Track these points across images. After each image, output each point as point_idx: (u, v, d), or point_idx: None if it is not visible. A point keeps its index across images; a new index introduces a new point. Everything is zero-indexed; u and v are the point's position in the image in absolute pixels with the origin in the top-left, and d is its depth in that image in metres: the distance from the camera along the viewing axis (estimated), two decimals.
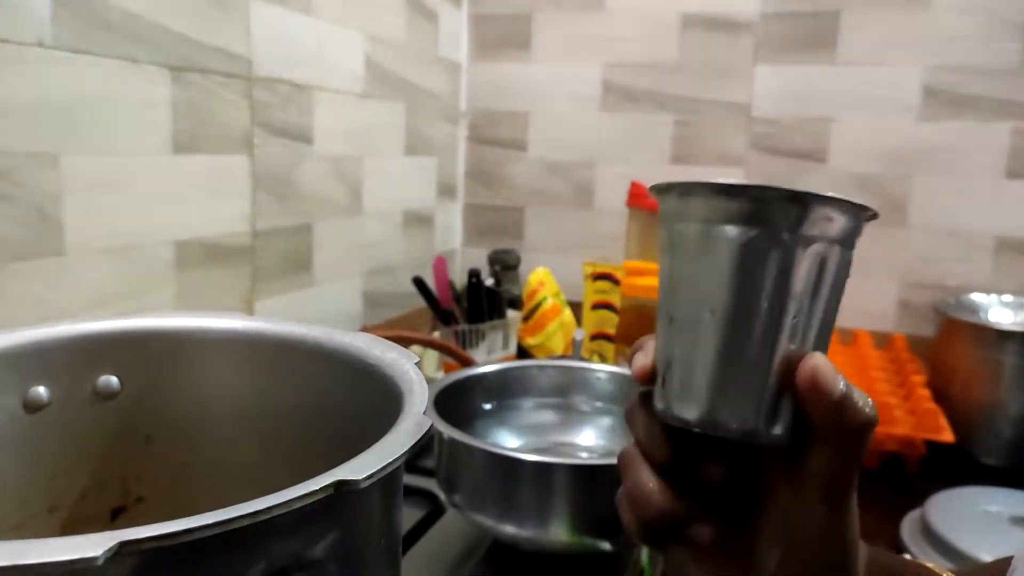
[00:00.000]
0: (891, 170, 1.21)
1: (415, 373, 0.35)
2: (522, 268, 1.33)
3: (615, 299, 1.21)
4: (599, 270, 1.23)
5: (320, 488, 0.24)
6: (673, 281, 0.33)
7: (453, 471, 0.57)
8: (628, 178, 1.31)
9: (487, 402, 0.69)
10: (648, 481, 0.34)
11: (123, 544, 0.21)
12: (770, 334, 0.31)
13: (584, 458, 0.66)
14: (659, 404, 0.33)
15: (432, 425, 0.29)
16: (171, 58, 0.76)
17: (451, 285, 1.15)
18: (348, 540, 0.27)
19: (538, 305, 1.21)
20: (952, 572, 0.39)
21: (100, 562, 0.20)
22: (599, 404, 0.70)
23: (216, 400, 0.42)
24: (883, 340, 1.22)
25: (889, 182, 1.21)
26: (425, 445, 0.67)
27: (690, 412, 0.32)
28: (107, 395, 0.41)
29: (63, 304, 0.67)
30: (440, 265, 1.14)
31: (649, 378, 0.34)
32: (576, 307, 1.22)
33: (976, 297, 1.16)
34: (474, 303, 1.13)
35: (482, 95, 1.41)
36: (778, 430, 0.32)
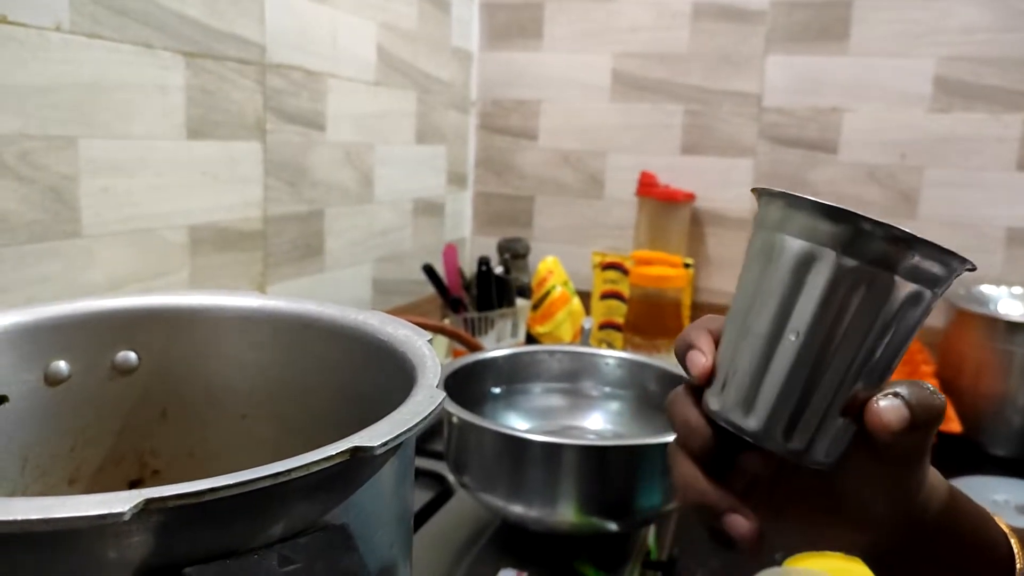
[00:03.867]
0: (902, 161, 1.21)
1: (427, 349, 0.36)
2: (531, 257, 1.34)
3: (624, 289, 1.21)
4: (608, 260, 1.23)
5: (337, 453, 0.25)
6: (759, 292, 0.33)
7: (463, 452, 0.58)
8: (638, 168, 1.31)
9: (497, 386, 0.70)
10: (687, 472, 0.35)
11: (149, 501, 0.21)
12: (849, 368, 0.31)
13: (592, 439, 0.67)
14: (714, 405, 0.34)
15: (445, 397, 0.30)
16: (185, 44, 0.76)
17: (460, 273, 1.16)
18: (362, 507, 0.28)
19: (547, 294, 1.21)
20: (1011, 527, 0.40)
21: (127, 517, 0.21)
22: (607, 389, 0.71)
23: (231, 376, 0.42)
24: None
25: (900, 173, 1.21)
26: (435, 427, 0.67)
27: (748, 422, 0.33)
28: (125, 370, 0.42)
29: (79, 286, 0.68)
30: (450, 253, 1.15)
31: (708, 379, 0.35)
32: (585, 296, 1.22)
33: (986, 289, 1.15)
34: (483, 291, 1.13)
35: (493, 84, 1.41)
36: (828, 458, 0.33)
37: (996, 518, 0.41)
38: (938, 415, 0.32)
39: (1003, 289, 1.16)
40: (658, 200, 1.28)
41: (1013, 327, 1.00)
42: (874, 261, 0.31)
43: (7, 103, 0.61)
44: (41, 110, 0.63)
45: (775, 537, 0.37)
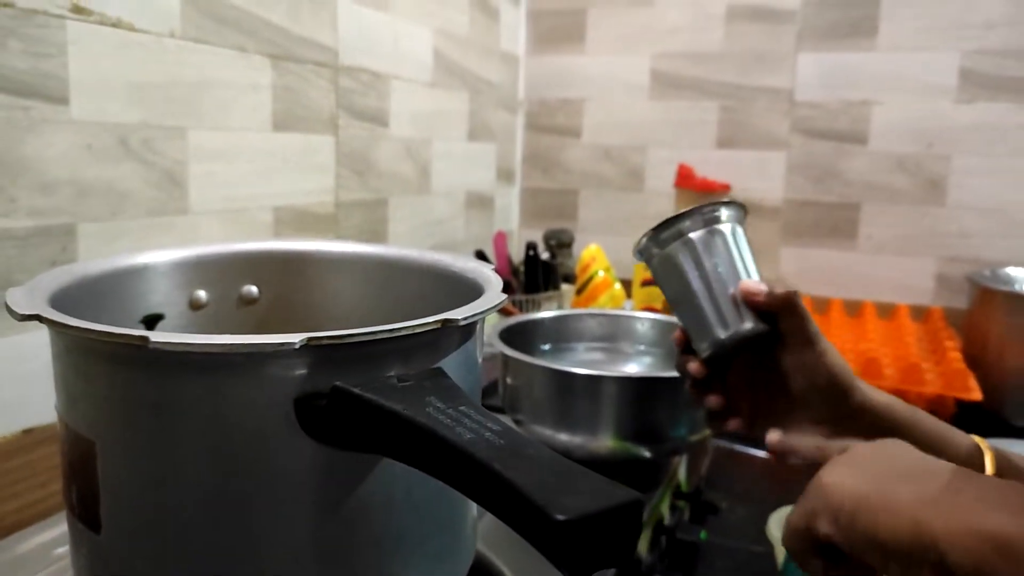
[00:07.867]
0: (930, 150, 1.27)
1: (491, 273, 0.45)
2: (575, 247, 1.42)
3: None
4: None
5: (432, 321, 0.34)
6: (666, 282, 0.56)
7: (516, 391, 0.67)
8: (676, 161, 1.39)
9: (544, 343, 0.79)
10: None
11: (310, 339, 0.31)
12: (722, 279, 0.53)
13: (629, 373, 0.75)
14: (699, 352, 0.55)
15: (507, 297, 0.39)
16: (272, 48, 0.88)
17: (509, 259, 1.26)
18: (447, 371, 0.37)
19: (591, 278, 1.30)
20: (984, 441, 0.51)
21: (297, 347, 0.31)
22: (642, 347, 0.80)
23: (333, 306, 0.52)
24: (921, 313, 1.27)
25: (928, 162, 1.27)
26: (491, 386, 0.77)
27: (704, 348, 0.53)
28: (249, 300, 0.52)
29: None
30: (500, 239, 1.24)
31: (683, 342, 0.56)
32: (626, 285, 1.30)
33: (1011, 271, 1.21)
34: (531, 275, 1.22)
35: (539, 85, 1.51)
36: (755, 324, 0.52)
37: (974, 437, 0.50)
38: (786, 296, 0.51)
39: None
40: (695, 191, 1.36)
41: None
42: (682, 237, 0.54)
43: (134, 97, 0.72)
44: (160, 103, 0.75)
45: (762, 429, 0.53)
